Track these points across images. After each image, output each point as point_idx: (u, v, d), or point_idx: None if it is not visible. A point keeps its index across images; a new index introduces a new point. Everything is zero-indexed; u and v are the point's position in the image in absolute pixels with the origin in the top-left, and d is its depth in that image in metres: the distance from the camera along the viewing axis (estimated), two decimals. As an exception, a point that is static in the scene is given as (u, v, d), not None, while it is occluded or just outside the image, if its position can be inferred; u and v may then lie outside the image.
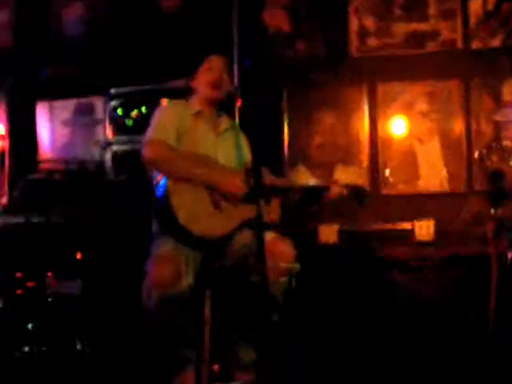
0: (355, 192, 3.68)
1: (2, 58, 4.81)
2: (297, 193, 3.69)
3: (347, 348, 4.36)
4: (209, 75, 3.56)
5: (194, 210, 3.35)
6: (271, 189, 3.52)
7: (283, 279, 3.37)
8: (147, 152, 3.43)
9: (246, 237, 3.42)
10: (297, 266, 3.42)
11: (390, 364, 4.14)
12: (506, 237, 3.91)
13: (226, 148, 3.62)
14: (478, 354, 3.86)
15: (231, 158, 3.60)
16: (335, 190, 3.58)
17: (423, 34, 4.87)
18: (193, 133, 3.55)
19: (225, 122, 3.68)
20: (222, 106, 3.64)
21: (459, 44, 4.83)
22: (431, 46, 4.86)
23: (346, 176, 4.83)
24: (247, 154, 3.64)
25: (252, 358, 3.48)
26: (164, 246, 3.38)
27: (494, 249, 3.82)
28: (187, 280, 3.28)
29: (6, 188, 4.92)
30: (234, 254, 3.47)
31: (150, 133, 3.49)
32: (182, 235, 3.34)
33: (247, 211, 3.41)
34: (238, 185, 3.43)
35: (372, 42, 4.95)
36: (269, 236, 3.29)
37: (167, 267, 3.25)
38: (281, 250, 3.35)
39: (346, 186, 3.63)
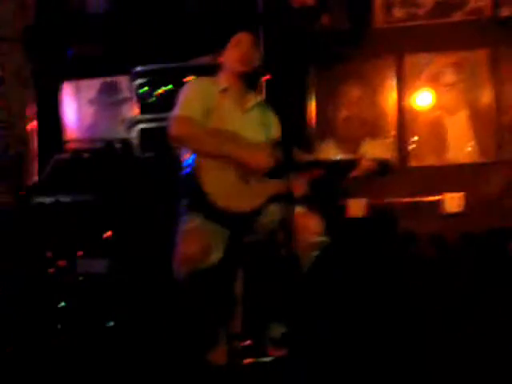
0: (383, 166, 3.65)
1: (27, 38, 4.81)
2: (324, 168, 3.68)
3: (374, 324, 4.36)
4: (237, 50, 3.54)
5: (222, 186, 3.36)
6: (299, 164, 3.51)
7: (312, 253, 3.39)
8: (173, 129, 3.43)
9: (274, 212, 3.42)
10: (326, 239, 3.43)
11: (420, 341, 4.14)
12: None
13: (254, 125, 3.61)
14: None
15: (258, 134, 3.59)
16: (364, 165, 3.56)
17: (450, 3, 4.81)
18: (219, 110, 3.55)
19: (252, 99, 3.67)
20: (250, 83, 3.63)
21: (487, 12, 4.75)
22: (458, 15, 4.80)
23: (374, 149, 4.80)
24: (276, 130, 3.63)
25: (283, 333, 3.49)
26: (192, 222, 3.39)
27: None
28: (216, 255, 3.29)
29: (36, 168, 4.96)
30: (262, 228, 3.48)
31: (176, 110, 3.49)
32: (210, 211, 3.35)
33: (275, 186, 3.42)
34: (264, 160, 3.43)
35: (397, 12, 4.90)
36: (297, 211, 3.29)
37: (195, 243, 3.27)
38: (309, 225, 3.36)
39: (374, 160, 3.62)
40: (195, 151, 3.40)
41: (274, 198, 3.44)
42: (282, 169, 3.29)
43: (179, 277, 3.30)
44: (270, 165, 3.41)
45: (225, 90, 3.59)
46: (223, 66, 3.63)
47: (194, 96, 3.53)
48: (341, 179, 3.71)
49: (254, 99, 3.67)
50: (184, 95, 3.56)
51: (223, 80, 3.62)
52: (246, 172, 3.43)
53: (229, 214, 3.36)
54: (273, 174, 3.42)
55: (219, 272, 3.31)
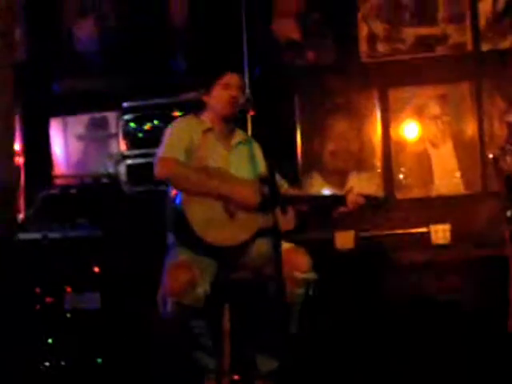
0: (372, 199, 3.66)
1: (16, 74, 4.84)
2: (312, 203, 3.69)
3: (366, 353, 4.36)
4: (226, 93, 3.55)
5: (209, 220, 3.38)
6: (286, 199, 3.52)
7: (300, 290, 3.36)
8: (158, 171, 3.46)
9: (261, 246, 3.43)
10: (314, 275, 3.42)
11: (410, 367, 4.13)
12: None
13: (239, 162, 3.63)
14: (497, 356, 3.85)
15: (244, 171, 3.61)
16: (351, 200, 3.56)
17: (433, 38, 4.86)
18: (203, 149, 3.56)
19: (237, 137, 3.69)
20: (234, 121, 3.65)
21: (469, 46, 4.81)
22: (441, 50, 4.86)
23: (360, 182, 4.84)
24: (262, 165, 3.65)
25: (272, 368, 3.48)
26: (179, 256, 3.41)
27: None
28: (203, 288, 3.29)
29: (23, 204, 4.95)
30: (250, 264, 3.48)
31: (161, 151, 3.52)
32: (198, 245, 3.36)
33: (262, 220, 3.42)
34: (251, 195, 3.44)
35: (382, 47, 4.95)
36: (284, 246, 3.29)
37: (182, 275, 3.28)
38: (297, 261, 3.35)
39: (362, 195, 3.60)
40: (182, 190, 3.42)
41: (260, 233, 3.45)
42: (268, 203, 3.30)
43: (164, 311, 3.30)
44: (257, 201, 3.42)
45: (209, 130, 3.61)
46: (208, 105, 3.65)
47: (177, 136, 3.55)
48: (328, 213, 3.72)
49: (239, 136, 3.69)
50: (168, 135, 3.58)
51: (207, 119, 3.64)
52: (233, 206, 3.44)
53: (216, 248, 3.37)
54: (259, 208, 3.44)
55: (206, 305, 3.30)
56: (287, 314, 3.23)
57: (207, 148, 3.57)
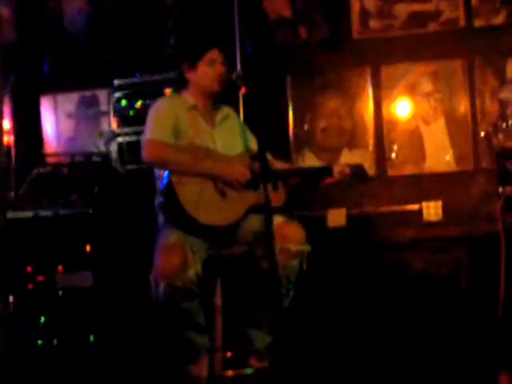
0: (357, 170, 3.67)
1: (5, 54, 4.80)
2: (298, 175, 3.69)
3: (358, 329, 4.38)
4: (212, 69, 3.53)
5: (200, 200, 3.37)
6: (275, 173, 3.51)
7: (294, 262, 3.38)
8: (147, 154, 3.43)
9: (253, 223, 3.44)
10: (307, 247, 3.43)
11: (396, 346, 4.15)
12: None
13: (225, 138, 3.62)
14: (487, 333, 3.87)
15: (231, 147, 3.60)
16: (337, 170, 3.57)
17: (425, 14, 4.84)
18: (190, 127, 3.55)
19: (220, 113, 3.67)
20: (225, 95, 3.63)
21: (461, 23, 4.80)
22: (433, 26, 4.83)
23: (352, 159, 4.83)
24: (250, 140, 3.64)
25: (266, 343, 3.49)
26: (171, 237, 3.39)
27: (503, 227, 3.80)
28: (194, 269, 3.29)
29: (13, 183, 4.93)
30: (242, 240, 3.49)
31: (148, 133, 3.49)
32: (189, 225, 3.36)
33: (253, 197, 3.43)
34: (241, 172, 3.44)
35: (374, 23, 4.93)
36: (277, 220, 3.30)
37: (174, 257, 3.27)
38: (290, 233, 3.37)
39: (348, 165, 3.63)
40: (172, 171, 3.40)
41: (252, 209, 3.45)
42: (258, 179, 3.30)
43: (157, 292, 3.30)
44: (247, 177, 3.42)
45: (193, 107, 3.59)
46: (191, 82, 3.61)
47: (163, 117, 3.52)
48: (316, 186, 3.72)
49: (223, 113, 3.67)
50: (154, 117, 3.54)
51: (190, 96, 3.61)
52: (223, 185, 3.44)
53: (208, 228, 3.36)
54: (250, 185, 3.43)
55: (197, 285, 3.30)
56: (280, 288, 3.24)
57: (193, 126, 3.55)
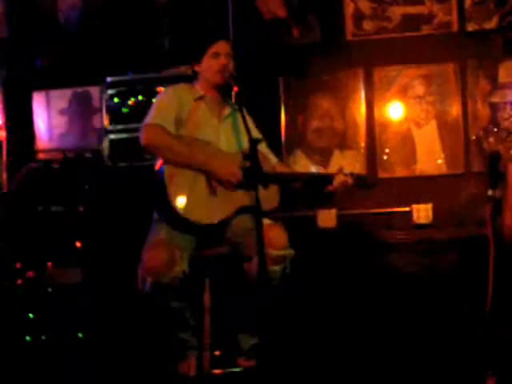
0: (362, 181, 3.64)
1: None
2: (299, 181, 3.68)
3: (347, 329, 4.39)
4: (215, 60, 3.56)
5: (190, 196, 3.36)
6: (274, 176, 3.51)
7: (276, 267, 3.31)
8: (144, 137, 3.45)
9: (242, 223, 3.43)
10: (290, 252, 3.40)
11: (385, 347, 4.17)
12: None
13: (229, 133, 3.63)
14: (476, 337, 3.88)
15: (234, 142, 3.61)
16: (339, 179, 3.55)
17: (419, 17, 4.85)
18: (194, 117, 3.56)
19: (229, 107, 3.68)
20: (225, 91, 3.65)
21: (454, 26, 4.81)
22: (427, 29, 4.85)
23: (344, 160, 4.84)
24: (256, 133, 3.62)
25: (250, 346, 3.49)
26: (159, 233, 3.40)
27: (492, 230, 3.82)
28: (181, 267, 3.29)
29: (5, 178, 4.93)
30: (229, 240, 3.48)
31: (149, 117, 3.50)
32: (177, 222, 3.36)
33: (244, 197, 3.42)
34: (233, 172, 3.43)
35: (368, 25, 4.93)
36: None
37: (160, 254, 3.27)
38: (272, 238, 3.27)
39: (352, 175, 3.59)
40: (166, 160, 3.40)
41: (242, 209, 3.45)
42: (250, 180, 3.30)
43: (143, 288, 3.30)
44: (238, 178, 3.42)
45: (201, 98, 3.61)
46: (200, 74, 3.64)
47: (167, 104, 3.55)
48: (316, 193, 3.70)
49: (231, 107, 3.68)
50: (158, 103, 3.59)
51: (200, 88, 3.64)
52: (215, 182, 3.44)
53: (196, 225, 3.36)
54: (242, 185, 3.43)
55: (184, 283, 3.31)
56: (265, 291, 3.21)
57: (198, 117, 3.57)
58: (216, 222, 3.39)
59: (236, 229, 3.43)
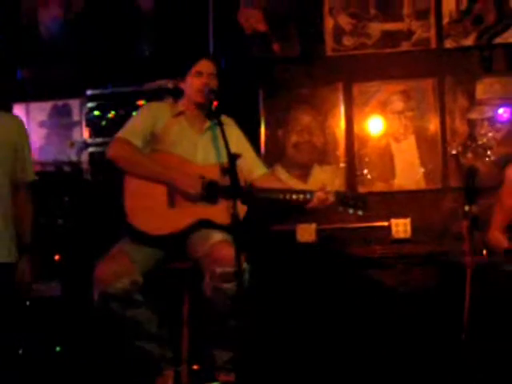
0: (342, 198, 3.50)
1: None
2: (281, 196, 3.62)
3: (324, 344, 4.40)
4: (198, 79, 3.60)
5: (145, 207, 3.42)
6: (247, 192, 3.48)
7: (227, 285, 3.22)
8: (109, 150, 3.56)
9: (200, 238, 3.42)
10: (237, 268, 3.07)
11: (360, 360, 4.18)
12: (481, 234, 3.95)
13: (208, 145, 3.64)
14: (453, 352, 3.90)
15: (212, 155, 3.62)
16: (319, 196, 3.45)
17: (398, 34, 4.90)
18: (169, 132, 3.60)
19: (210, 121, 3.69)
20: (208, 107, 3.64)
21: (433, 43, 4.86)
22: (406, 45, 4.89)
23: (323, 175, 4.86)
24: (242, 148, 3.62)
25: (226, 359, 3.46)
26: (119, 245, 3.46)
27: (469, 246, 3.85)
28: (130, 279, 3.30)
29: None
30: (191, 254, 3.47)
31: (119, 132, 3.60)
32: (132, 232, 3.41)
33: (206, 211, 3.43)
34: (191, 183, 3.45)
35: (347, 41, 4.97)
36: (213, 239, 3.32)
37: (108, 266, 3.32)
38: (219, 255, 3.24)
39: (330, 193, 3.48)
40: (128, 172, 3.48)
41: (205, 225, 3.44)
42: (213, 194, 3.35)
43: (94, 298, 3.33)
44: (197, 190, 3.43)
45: (180, 114, 3.64)
46: (185, 91, 3.68)
47: (139, 120, 3.64)
48: (299, 208, 3.65)
49: (211, 121, 3.69)
50: (132, 118, 3.70)
51: (181, 104, 3.69)
52: (176, 194, 3.45)
53: (150, 237, 3.38)
54: (206, 199, 3.44)
55: (137, 295, 3.32)
56: (239, 306, 3.16)
57: (175, 132, 3.61)
58: (166, 233, 3.40)
59: (195, 243, 3.43)
